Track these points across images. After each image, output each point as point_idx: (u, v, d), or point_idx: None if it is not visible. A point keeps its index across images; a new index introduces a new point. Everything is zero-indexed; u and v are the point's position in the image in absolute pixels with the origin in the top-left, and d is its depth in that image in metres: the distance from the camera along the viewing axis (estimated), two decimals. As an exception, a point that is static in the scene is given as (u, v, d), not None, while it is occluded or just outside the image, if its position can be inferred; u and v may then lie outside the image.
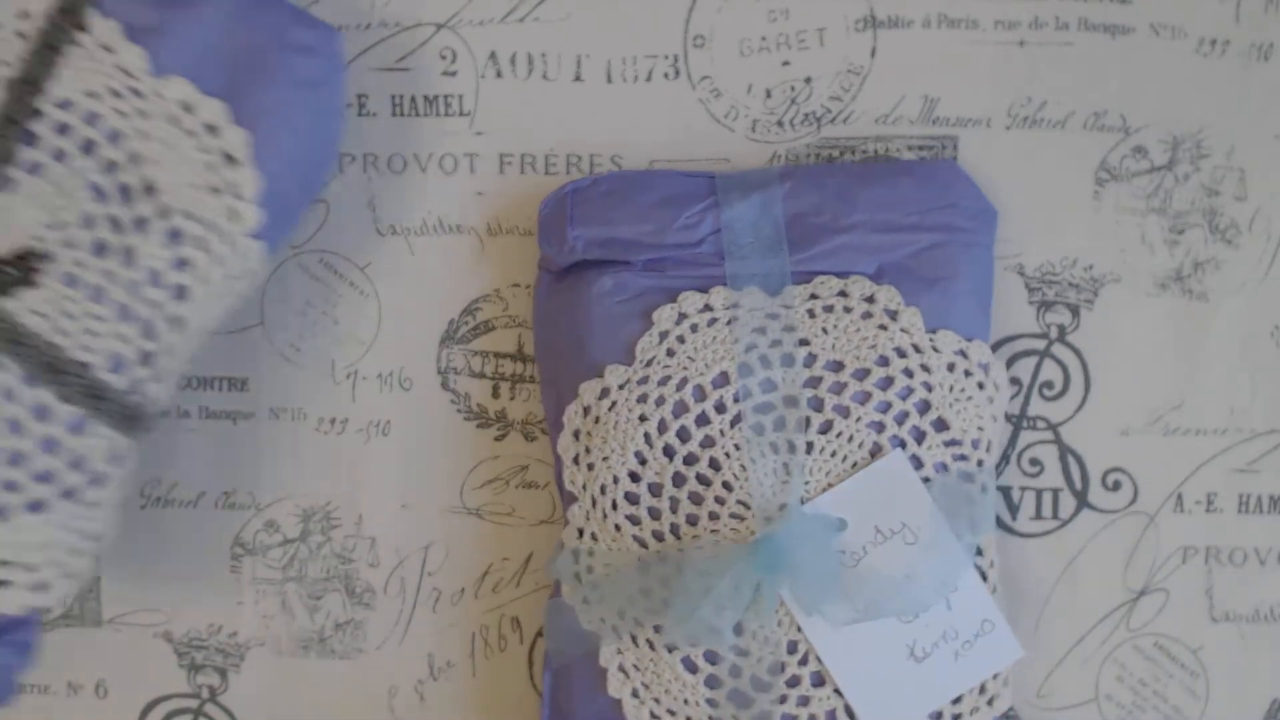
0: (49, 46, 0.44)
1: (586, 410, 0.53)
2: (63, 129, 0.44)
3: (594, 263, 0.53)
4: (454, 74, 0.57)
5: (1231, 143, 0.57)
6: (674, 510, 0.51)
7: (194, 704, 0.60)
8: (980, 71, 0.57)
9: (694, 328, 0.52)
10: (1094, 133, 0.57)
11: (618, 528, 0.52)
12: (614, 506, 0.52)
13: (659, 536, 0.52)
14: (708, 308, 0.52)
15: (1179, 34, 0.57)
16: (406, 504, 0.59)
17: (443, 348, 0.58)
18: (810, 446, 0.51)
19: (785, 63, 0.57)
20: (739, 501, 0.51)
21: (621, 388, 0.52)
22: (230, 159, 0.45)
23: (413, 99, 0.57)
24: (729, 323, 0.52)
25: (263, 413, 0.59)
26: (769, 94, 0.57)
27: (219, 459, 0.59)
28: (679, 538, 0.51)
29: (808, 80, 0.57)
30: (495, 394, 0.58)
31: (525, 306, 0.58)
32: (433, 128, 0.58)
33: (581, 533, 0.53)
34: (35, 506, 0.43)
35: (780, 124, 0.57)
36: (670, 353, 0.52)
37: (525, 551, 0.59)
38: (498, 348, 0.58)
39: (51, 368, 0.43)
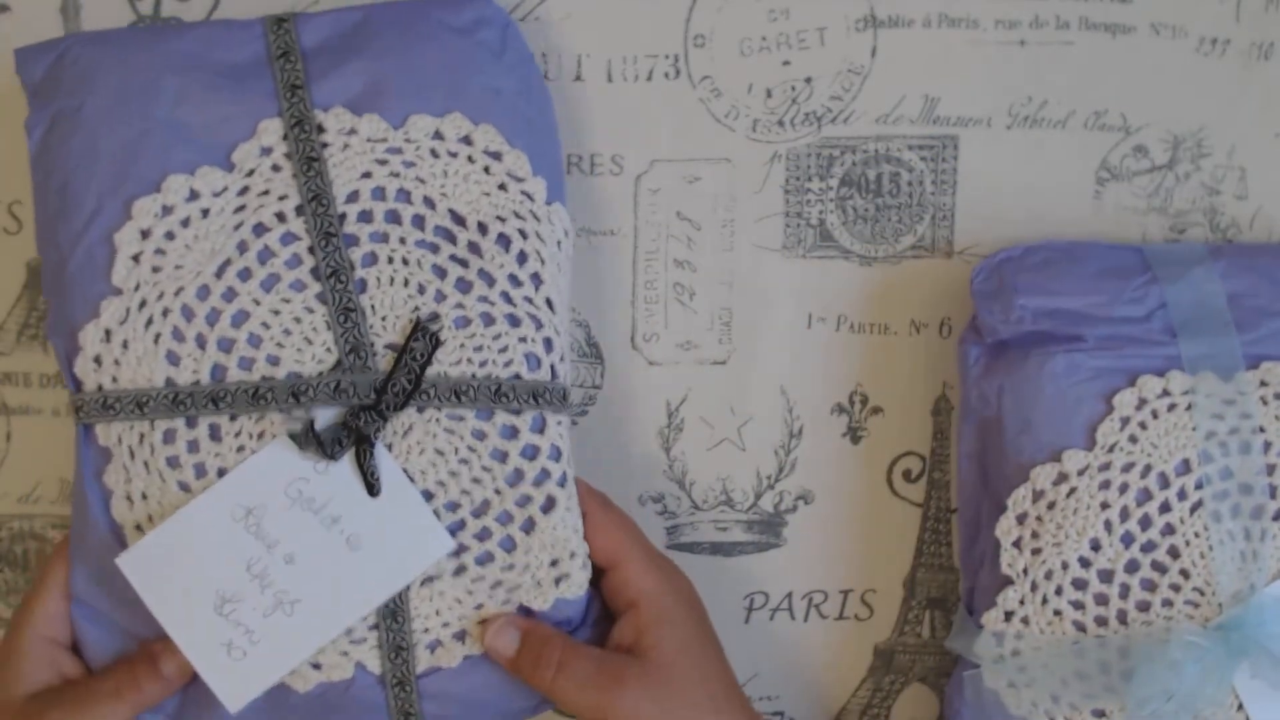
0: (307, 160, 0.48)
1: (1038, 495, 0.52)
2: (366, 216, 0.48)
3: (1038, 337, 0.52)
4: (453, 74, 0.57)
5: (1232, 141, 0.57)
6: (1124, 596, 0.51)
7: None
8: (980, 71, 0.57)
9: (1154, 413, 0.51)
10: (1094, 132, 0.57)
11: (1057, 613, 0.51)
12: (1058, 592, 0.51)
13: (1101, 621, 0.51)
14: (1166, 393, 0.51)
15: (1179, 33, 0.57)
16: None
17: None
18: (1264, 534, 0.51)
19: (786, 62, 0.56)
20: (1195, 589, 0.50)
21: (1081, 473, 0.51)
22: (493, 155, 0.49)
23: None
24: (1188, 408, 0.51)
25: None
26: (769, 93, 0.56)
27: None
28: (1124, 624, 0.51)
29: (808, 80, 0.56)
30: (495, 396, 0.58)
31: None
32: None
33: (1009, 615, 0.52)
34: (546, 506, 0.49)
35: (781, 124, 0.57)
36: (1133, 439, 0.51)
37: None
38: (497, 349, 0.58)
39: (495, 394, 0.48)
